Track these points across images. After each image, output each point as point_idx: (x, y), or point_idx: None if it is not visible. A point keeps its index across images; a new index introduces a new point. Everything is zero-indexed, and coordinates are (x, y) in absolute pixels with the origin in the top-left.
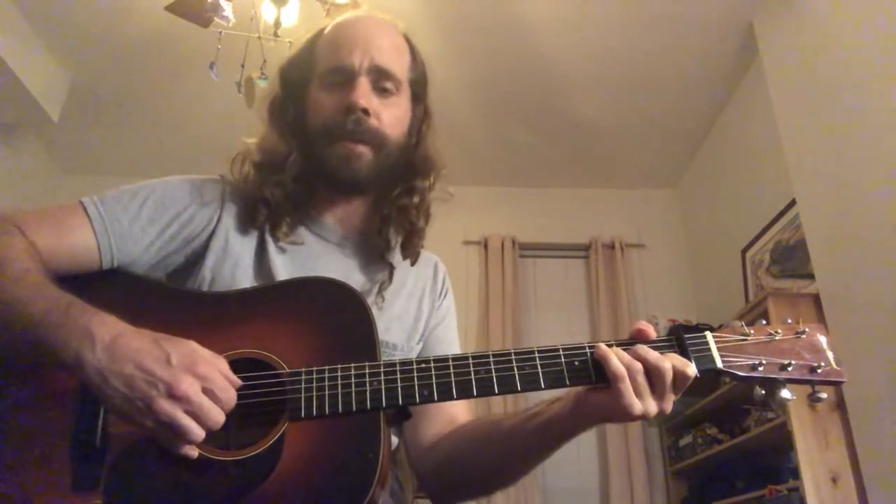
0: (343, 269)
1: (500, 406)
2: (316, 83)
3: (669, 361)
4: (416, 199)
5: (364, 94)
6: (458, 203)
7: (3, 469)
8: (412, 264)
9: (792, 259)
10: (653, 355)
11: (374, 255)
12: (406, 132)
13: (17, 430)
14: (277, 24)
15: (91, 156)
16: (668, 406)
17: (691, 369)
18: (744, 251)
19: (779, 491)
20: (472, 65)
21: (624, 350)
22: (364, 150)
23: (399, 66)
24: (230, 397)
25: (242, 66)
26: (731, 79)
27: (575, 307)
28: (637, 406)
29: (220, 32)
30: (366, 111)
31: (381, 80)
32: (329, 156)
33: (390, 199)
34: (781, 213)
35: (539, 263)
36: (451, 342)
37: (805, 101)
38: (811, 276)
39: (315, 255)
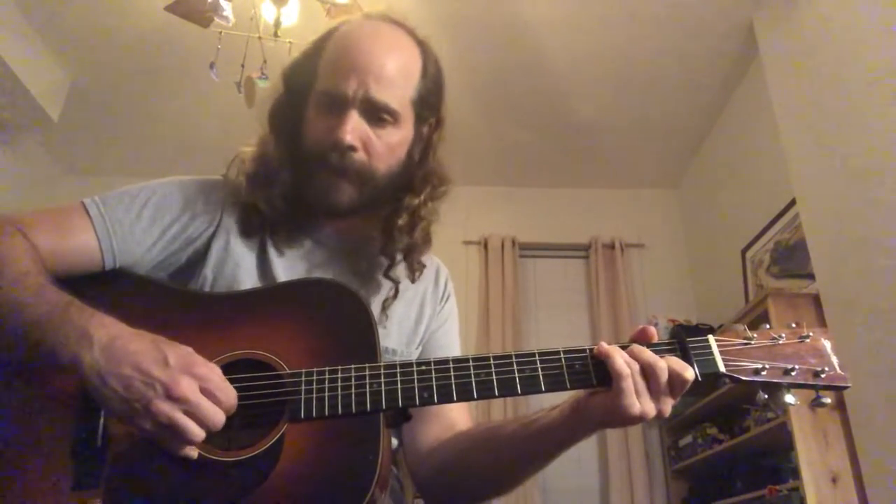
0: (344, 276)
1: (501, 412)
2: (313, 99)
3: (666, 362)
4: (401, 220)
5: (352, 130)
6: (458, 203)
7: (3, 469)
8: (413, 281)
9: (792, 259)
10: (649, 355)
11: (374, 265)
12: (403, 156)
13: (19, 431)
14: (277, 24)
15: (91, 156)
16: (666, 409)
17: (689, 373)
18: (744, 251)
19: (779, 491)
20: (473, 65)
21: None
22: (346, 186)
23: (400, 93)
24: (229, 397)
25: (242, 66)
26: (731, 79)
27: (575, 307)
28: (636, 406)
29: (220, 32)
30: (352, 147)
31: (375, 111)
32: (312, 184)
33: (382, 218)
34: (781, 213)
35: (539, 263)
36: (451, 346)
37: (805, 101)
38: (811, 276)
39: (315, 261)
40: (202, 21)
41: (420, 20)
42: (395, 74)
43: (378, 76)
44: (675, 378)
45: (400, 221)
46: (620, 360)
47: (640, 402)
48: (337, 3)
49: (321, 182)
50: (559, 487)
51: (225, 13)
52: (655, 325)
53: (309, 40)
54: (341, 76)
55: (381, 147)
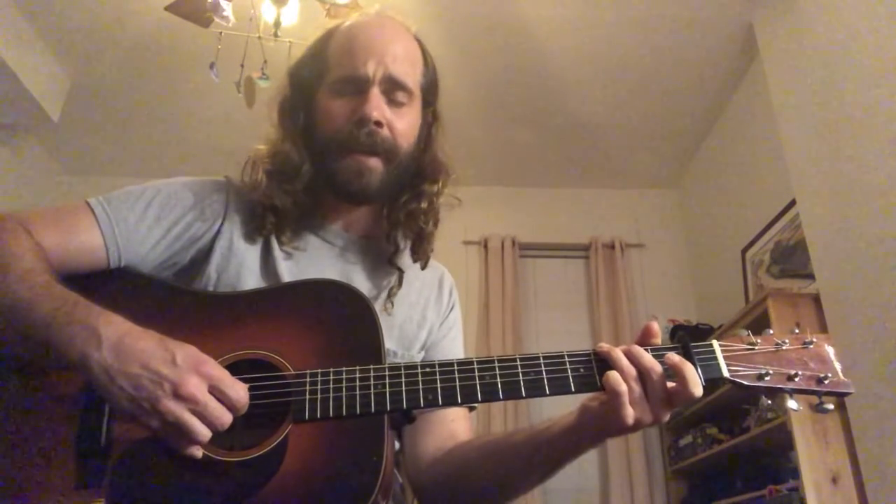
0: (348, 273)
1: (501, 412)
2: (326, 90)
3: (686, 371)
4: (423, 205)
5: (377, 106)
6: (459, 203)
7: (7, 468)
8: (422, 268)
9: (792, 259)
10: (656, 365)
11: (380, 259)
12: (414, 139)
13: (22, 430)
14: (277, 24)
15: (91, 156)
16: (663, 417)
17: (698, 391)
18: (744, 251)
19: (779, 491)
20: (473, 65)
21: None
22: (376, 163)
23: (412, 75)
24: (240, 395)
25: (242, 66)
26: (731, 79)
27: (575, 307)
28: (630, 416)
29: (220, 32)
30: (379, 123)
31: (393, 90)
32: (339, 169)
33: (399, 205)
34: (781, 213)
35: (539, 263)
36: (457, 356)
37: (805, 101)
38: (811, 276)
39: (320, 260)
40: (202, 21)
41: (420, 20)
42: (406, 57)
43: (394, 56)
44: (681, 396)
45: (423, 205)
46: (622, 357)
47: (634, 410)
48: (337, 2)
49: (351, 164)
50: (559, 487)
51: (225, 13)
52: None
53: (309, 40)
54: (359, 60)
55: (401, 126)
